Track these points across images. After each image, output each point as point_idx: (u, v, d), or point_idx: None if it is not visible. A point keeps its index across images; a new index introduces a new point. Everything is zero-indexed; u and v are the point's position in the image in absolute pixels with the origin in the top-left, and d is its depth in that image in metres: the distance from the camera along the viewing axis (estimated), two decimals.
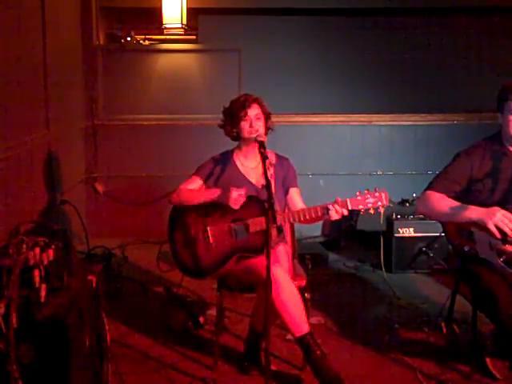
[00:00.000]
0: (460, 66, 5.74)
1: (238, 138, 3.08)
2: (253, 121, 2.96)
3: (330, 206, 2.74)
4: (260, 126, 2.97)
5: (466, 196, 2.77)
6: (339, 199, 2.76)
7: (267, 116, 3.05)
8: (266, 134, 3.01)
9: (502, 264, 2.65)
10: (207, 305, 3.82)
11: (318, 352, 2.68)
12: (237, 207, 2.84)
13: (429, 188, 2.78)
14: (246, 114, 2.96)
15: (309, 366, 2.73)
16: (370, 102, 5.63)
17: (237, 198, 2.83)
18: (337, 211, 2.74)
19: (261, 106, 3.02)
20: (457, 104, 5.64)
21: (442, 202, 2.71)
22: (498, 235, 2.53)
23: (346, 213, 2.76)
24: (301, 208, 2.96)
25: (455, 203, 2.68)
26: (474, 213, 2.59)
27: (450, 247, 4.45)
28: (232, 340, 3.35)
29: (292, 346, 2.90)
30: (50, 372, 1.99)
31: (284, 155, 3.18)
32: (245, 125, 2.97)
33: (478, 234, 2.71)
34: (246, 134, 2.98)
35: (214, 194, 2.91)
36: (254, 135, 2.91)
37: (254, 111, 2.97)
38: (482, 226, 2.57)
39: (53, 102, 4.26)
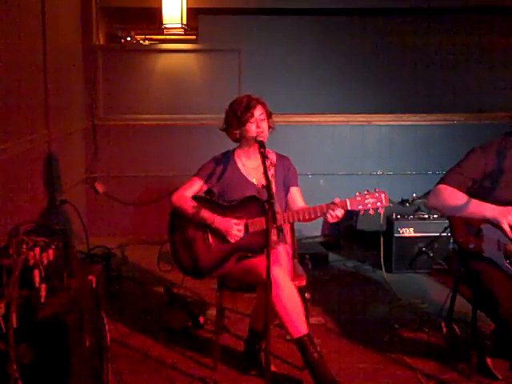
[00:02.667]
0: (460, 65, 5.74)
1: (240, 139, 3.08)
2: (259, 122, 2.96)
3: (330, 211, 2.74)
4: (265, 126, 2.98)
5: (478, 192, 2.74)
6: (338, 200, 2.76)
7: (269, 115, 3.05)
8: (268, 133, 3.02)
9: (508, 265, 2.64)
10: (207, 305, 3.82)
11: (315, 354, 2.67)
12: (233, 241, 2.87)
13: (442, 182, 2.75)
14: (252, 116, 2.95)
15: (306, 367, 2.73)
16: (369, 102, 5.63)
17: (236, 233, 2.86)
18: (331, 216, 2.74)
19: (264, 106, 3.02)
20: (457, 104, 5.64)
21: (455, 197, 2.69)
22: (510, 235, 2.53)
23: (340, 215, 2.76)
24: (300, 208, 2.96)
25: (468, 199, 2.66)
26: (488, 210, 2.58)
27: (451, 247, 4.49)
28: (232, 340, 3.35)
29: (292, 346, 2.90)
30: (50, 372, 1.99)
31: (285, 154, 3.19)
32: (251, 126, 2.97)
33: (487, 231, 2.70)
34: (252, 135, 2.97)
35: (212, 219, 2.91)
36: (260, 135, 2.91)
37: (259, 112, 2.97)
38: (493, 224, 2.57)
39: (53, 102, 4.26)
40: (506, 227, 2.50)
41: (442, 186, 2.74)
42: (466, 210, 2.64)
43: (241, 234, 2.87)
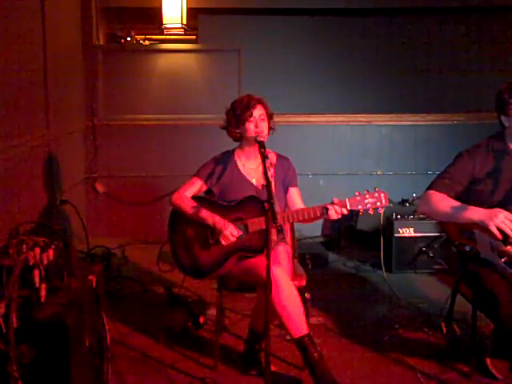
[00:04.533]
0: (460, 65, 5.74)
1: (240, 138, 3.08)
2: (258, 121, 2.95)
3: (330, 206, 2.74)
4: (265, 126, 2.97)
5: (467, 196, 2.75)
6: (337, 200, 2.75)
7: (270, 116, 3.05)
8: (268, 134, 3.01)
9: (504, 265, 2.65)
10: (207, 305, 3.82)
11: (316, 354, 2.67)
12: (224, 243, 2.85)
13: (430, 188, 2.77)
14: (251, 115, 2.95)
15: (306, 367, 2.74)
16: (370, 102, 5.63)
17: (228, 235, 2.84)
18: (336, 211, 2.73)
19: (264, 106, 3.02)
20: (457, 104, 5.64)
21: (444, 202, 2.69)
22: (499, 236, 2.52)
23: (345, 212, 2.76)
24: (299, 208, 2.96)
25: (457, 203, 2.67)
26: (475, 214, 2.58)
27: (451, 247, 4.48)
28: (232, 340, 3.35)
29: (292, 346, 2.90)
30: (50, 372, 1.99)
31: (284, 155, 3.19)
32: (250, 125, 2.96)
33: (479, 234, 2.70)
34: (251, 134, 2.96)
35: (212, 218, 2.90)
36: (260, 135, 2.91)
37: (258, 112, 2.97)
38: (483, 227, 2.57)
39: (53, 101, 4.26)
40: (494, 230, 2.50)
41: (430, 192, 2.75)
42: (455, 215, 2.65)
43: (233, 239, 2.85)
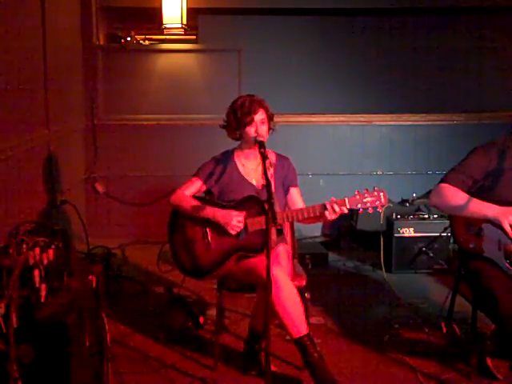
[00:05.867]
0: (460, 66, 5.74)
1: (239, 138, 3.08)
2: (259, 126, 2.95)
3: (328, 206, 2.72)
4: (265, 130, 2.97)
5: (480, 191, 2.74)
6: (335, 199, 2.75)
7: (270, 118, 3.04)
8: (267, 134, 3.01)
9: (508, 266, 2.65)
10: (207, 305, 3.82)
11: (315, 354, 2.67)
12: (234, 233, 2.86)
13: (444, 181, 2.75)
14: (252, 120, 2.94)
15: (306, 367, 2.73)
16: (370, 102, 5.63)
17: (236, 224, 2.84)
18: (334, 210, 2.72)
19: (266, 109, 3.00)
20: (457, 104, 5.64)
21: (457, 196, 2.69)
22: (511, 235, 2.53)
23: (345, 211, 2.75)
24: (299, 207, 2.96)
25: (470, 198, 2.66)
26: (489, 210, 2.58)
27: (451, 247, 4.49)
28: (232, 340, 3.35)
29: (292, 346, 2.90)
30: (50, 372, 1.99)
31: (284, 155, 3.18)
32: (250, 129, 2.96)
33: (487, 231, 2.70)
34: (251, 136, 2.95)
35: (213, 213, 2.91)
36: (260, 135, 2.91)
37: (260, 116, 2.96)
38: (494, 224, 2.57)
39: (53, 102, 4.26)
40: (507, 227, 2.51)
41: (443, 185, 2.74)
42: (467, 209, 2.64)
43: (241, 226, 2.85)
